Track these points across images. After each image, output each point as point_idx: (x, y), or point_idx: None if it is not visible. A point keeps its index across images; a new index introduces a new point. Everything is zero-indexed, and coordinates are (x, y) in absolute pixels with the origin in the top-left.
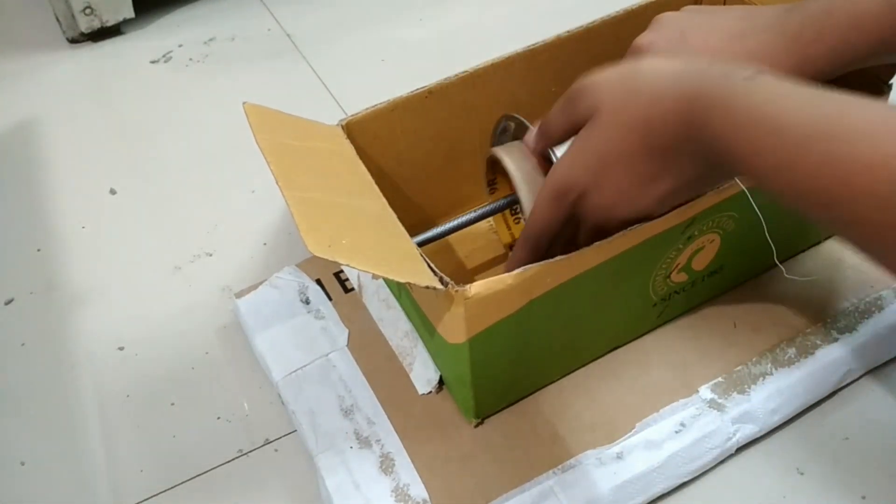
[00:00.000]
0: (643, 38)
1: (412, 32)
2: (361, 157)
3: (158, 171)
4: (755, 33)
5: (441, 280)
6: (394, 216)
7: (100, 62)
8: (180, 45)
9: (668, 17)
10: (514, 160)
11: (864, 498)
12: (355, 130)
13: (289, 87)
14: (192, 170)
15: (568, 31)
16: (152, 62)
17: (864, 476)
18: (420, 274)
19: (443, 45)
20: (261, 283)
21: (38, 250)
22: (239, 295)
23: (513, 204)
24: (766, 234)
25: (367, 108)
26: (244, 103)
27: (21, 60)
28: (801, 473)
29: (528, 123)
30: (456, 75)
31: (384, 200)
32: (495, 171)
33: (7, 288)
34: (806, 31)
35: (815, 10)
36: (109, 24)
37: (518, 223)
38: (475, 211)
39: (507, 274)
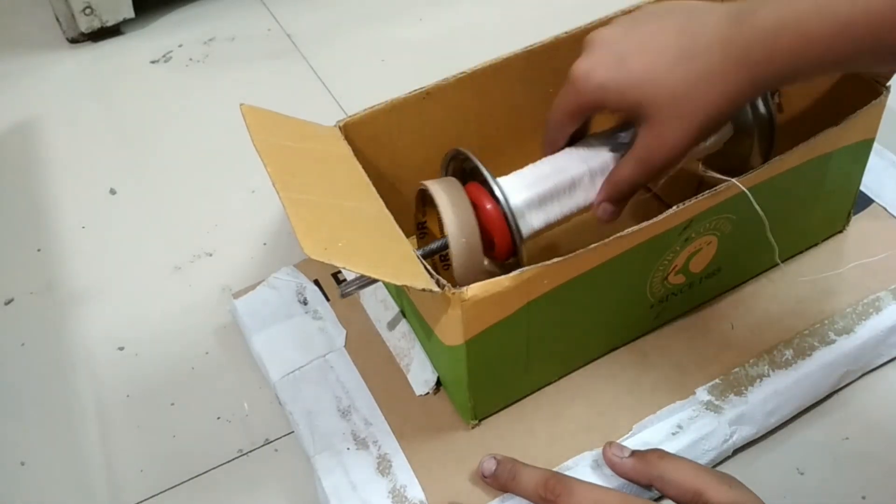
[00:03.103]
0: (579, 67)
1: (412, 32)
2: (359, 159)
3: (158, 171)
4: (700, 54)
5: (438, 282)
6: (391, 218)
7: (100, 62)
8: (180, 45)
9: (601, 37)
10: (450, 199)
11: (864, 498)
12: (353, 132)
13: (289, 87)
14: (192, 170)
15: (566, 32)
16: (152, 62)
17: (864, 476)
18: (417, 276)
19: (443, 45)
20: (259, 283)
21: (38, 250)
22: (237, 295)
23: (443, 250)
24: (768, 233)
25: (364, 110)
26: (241, 105)
27: (21, 60)
28: (801, 473)
29: (473, 157)
30: (454, 76)
31: (381, 202)
32: (425, 206)
33: (7, 288)
34: (752, 53)
35: (761, 30)
36: (109, 24)
37: (447, 269)
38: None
39: (503, 276)
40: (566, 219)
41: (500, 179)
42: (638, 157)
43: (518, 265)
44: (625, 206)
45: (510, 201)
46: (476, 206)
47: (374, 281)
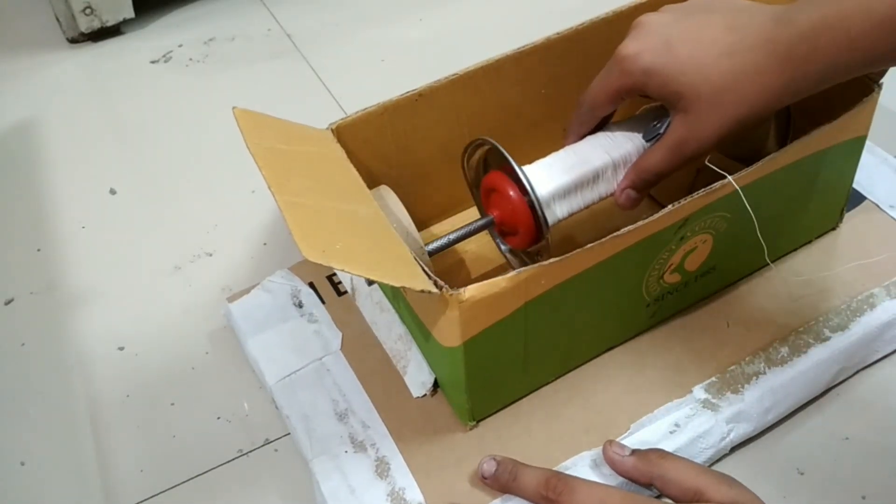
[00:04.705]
0: (627, 48)
1: (412, 32)
2: (352, 161)
3: (158, 171)
4: (744, 51)
5: (435, 283)
6: (386, 220)
7: (100, 62)
8: (180, 45)
9: (650, 21)
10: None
11: (864, 498)
12: (345, 134)
13: (289, 87)
14: (192, 170)
15: (558, 33)
16: (152, 62)
17: (864, 476)
18: (414, 277)
19: (443, 45)
20: (253, 286)
21: (38, 250)
22: (231, 299)
23: (490, 225)
24: (758, 233)
25: (356, 112)
26: (233, 108)
27: (21, 60)
28: (801, 473)
29: (500, 147)
30: (446, 78)
31: (376, 205)
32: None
33: (7, 288)
34: (796, 50)
35: (806, 27)
36: (109, 24)
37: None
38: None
39: (501, 277)
40: (587, 207)
41: (525, 168)
42: (671, 144)
43: (539, 253)
44: (646, 195)
45: (537, 191)
46: (500, 195)
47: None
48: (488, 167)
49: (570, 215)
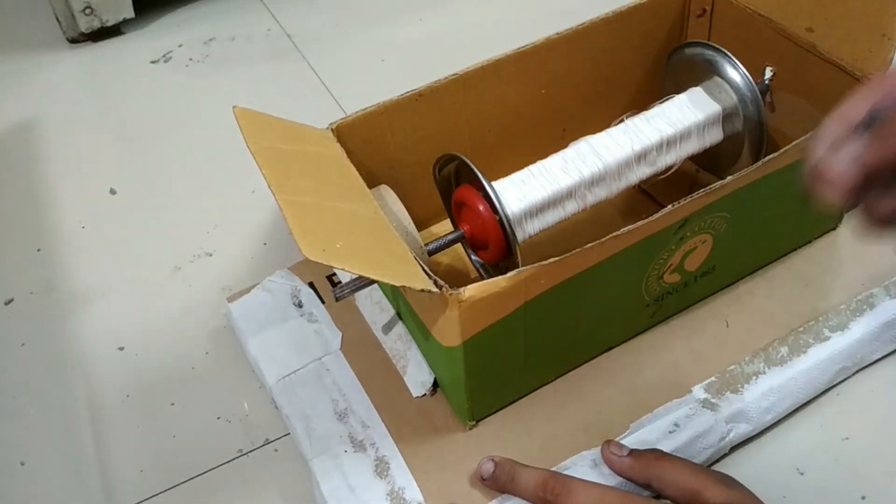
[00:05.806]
0: None
1: (412, 32)
2: (352, 161)
3: (158, 171)
4: None
5: (435, 283)
6: (385, 220)
7: (100, 62)
8: (180, 45)
9: None
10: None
11: (864, 498)
12: (345, 134)
13: (289, 87)
14: (192, 170)
15: (557, 33)
16: (152, 62)
17: (864, 476)
18: (414, 277)
19: (443, 45)
20: (253, 286)
21: (38, 250)
22: (231, 299)
23: (461, 240)
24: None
25: (356, 112)
26: (234, 107)
27: (21, 60)
28: (801, 473)
29: (471, 164)
30: (446, 78)
31: (376, 204)
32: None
33: (7, 288)
34: None
35: None
36: (109, 24)
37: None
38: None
39: (500, 277)
40: (559, 223)
41: (497, 184)
42: None
43: (509, 268)
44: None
45: (507, 209)
46: (470, 210)
47: (368, 284)
48: (460, 179)
49: (542, 231)
